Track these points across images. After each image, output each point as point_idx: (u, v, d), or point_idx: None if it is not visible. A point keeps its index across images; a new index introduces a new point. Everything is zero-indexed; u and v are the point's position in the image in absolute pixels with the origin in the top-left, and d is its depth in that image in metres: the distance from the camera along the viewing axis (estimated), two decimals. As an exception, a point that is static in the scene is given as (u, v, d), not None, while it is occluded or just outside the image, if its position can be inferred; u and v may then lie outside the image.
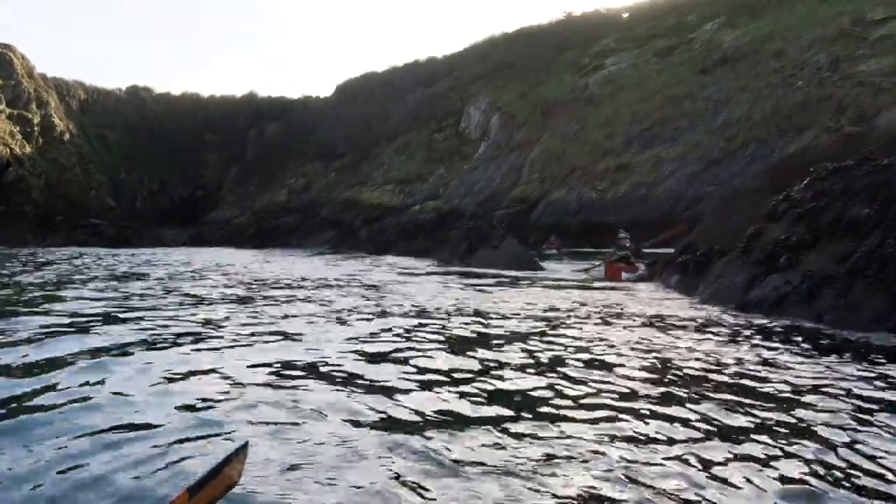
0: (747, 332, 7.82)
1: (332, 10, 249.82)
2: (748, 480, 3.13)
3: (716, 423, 4.01)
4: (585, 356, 5.95)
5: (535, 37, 71.54)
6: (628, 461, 3.31)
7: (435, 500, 2.78)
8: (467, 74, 71.72)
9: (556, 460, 3.27)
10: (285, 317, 8.52)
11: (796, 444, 3.68)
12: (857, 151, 11.20)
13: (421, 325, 7.76)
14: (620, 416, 4.07)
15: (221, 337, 6.71)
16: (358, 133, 72.79)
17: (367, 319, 8.26)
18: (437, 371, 5.21)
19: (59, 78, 68.24)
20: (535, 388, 4.72)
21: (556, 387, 4.73)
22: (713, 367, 5.60)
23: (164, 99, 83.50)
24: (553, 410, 4.17)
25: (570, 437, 3.65)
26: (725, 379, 5.20)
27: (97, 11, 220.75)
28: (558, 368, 5.38)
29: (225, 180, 78.31)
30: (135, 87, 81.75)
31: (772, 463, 3.36)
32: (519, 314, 8.89)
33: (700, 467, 3.29)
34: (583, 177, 53.43)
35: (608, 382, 4.90)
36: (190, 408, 4.06)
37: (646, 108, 54.99)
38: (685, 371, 5.44)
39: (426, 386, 4.68)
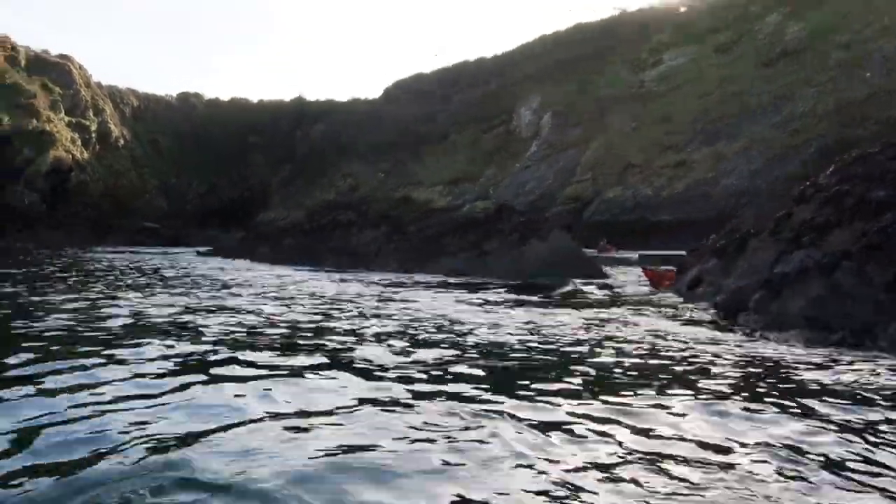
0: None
1: (380, 12, 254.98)
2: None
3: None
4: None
5: (588, 34, 72.76)
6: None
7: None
8: (518, 74, 73.42)
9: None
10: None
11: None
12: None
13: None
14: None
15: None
16: (406, 134, 75.19)
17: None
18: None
19: (114, 86, 73.36)
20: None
21: None
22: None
23: (213, 104, 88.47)
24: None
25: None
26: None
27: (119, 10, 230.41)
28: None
29: (272, 182, 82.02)
30: (185, 94, 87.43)
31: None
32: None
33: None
34: (639, 174, 54.32)
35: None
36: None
37: (706, 103, 55.54)
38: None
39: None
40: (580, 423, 4.22)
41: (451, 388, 5.21)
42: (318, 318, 9.61)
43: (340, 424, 4.02)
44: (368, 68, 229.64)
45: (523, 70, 73.82)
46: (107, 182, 57.05)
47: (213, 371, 5.57)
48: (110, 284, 15.09)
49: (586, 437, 3.98)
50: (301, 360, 6.12)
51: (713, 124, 53.63)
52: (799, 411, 4.61)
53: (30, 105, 45.78)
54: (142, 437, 3.68)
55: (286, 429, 3.90)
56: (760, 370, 6.21)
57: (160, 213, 66.12)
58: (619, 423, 4.30)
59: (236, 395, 4.71)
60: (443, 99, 76.96)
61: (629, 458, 3.63)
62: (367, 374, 5.62)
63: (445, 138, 73.40)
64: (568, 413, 4.49)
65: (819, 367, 6.34)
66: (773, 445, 3.82)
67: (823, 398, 4.96)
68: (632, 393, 5.12)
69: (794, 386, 5.45)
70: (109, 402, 4.44)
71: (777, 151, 46.92)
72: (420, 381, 5.45)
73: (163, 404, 4.43)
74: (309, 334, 7.94)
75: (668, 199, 50.72)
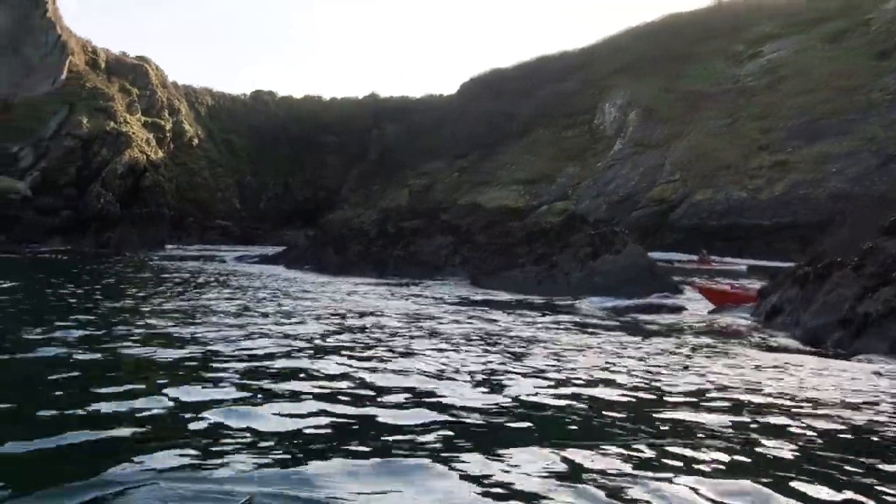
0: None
1: (457, 3, 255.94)
2: None
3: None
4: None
5: (680, 25, 70.79)
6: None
7: None
8: (603, 68, 72.23)
9: None
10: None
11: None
12: None
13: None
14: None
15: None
16: (483, 131, 75.27)
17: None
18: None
19: (189, 85, 77.11)
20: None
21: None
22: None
23: (287, 103, 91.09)
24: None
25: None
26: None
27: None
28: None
29: (346, 181, 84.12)
30: (258, 92, 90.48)
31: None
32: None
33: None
34: (732, 175, 52.72)
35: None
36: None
37: (810, 99, 53.25)
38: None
39: None
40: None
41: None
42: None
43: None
44: (444, 62, 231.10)
45: (609, 64, 72.60)
46: (181, 181, 60.09)
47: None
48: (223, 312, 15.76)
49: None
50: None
51: (817, 122, 51.42)
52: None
53: (108, 107, 48.76)
54: None
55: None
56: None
57: (234, 212, 69.22)
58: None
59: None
60: (522, 94, 76.62)
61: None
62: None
63: (524, 136, 73.07)
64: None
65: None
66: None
67: None
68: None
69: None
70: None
71: (891, 152, 44.65)
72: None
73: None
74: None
75: (766, 202, 49.05)
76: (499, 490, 3.85)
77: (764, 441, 5.01)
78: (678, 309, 16.23)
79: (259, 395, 6.01)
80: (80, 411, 5.30)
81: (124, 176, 47.06)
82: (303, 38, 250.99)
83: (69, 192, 44.47)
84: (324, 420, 5.30)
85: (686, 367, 8.40)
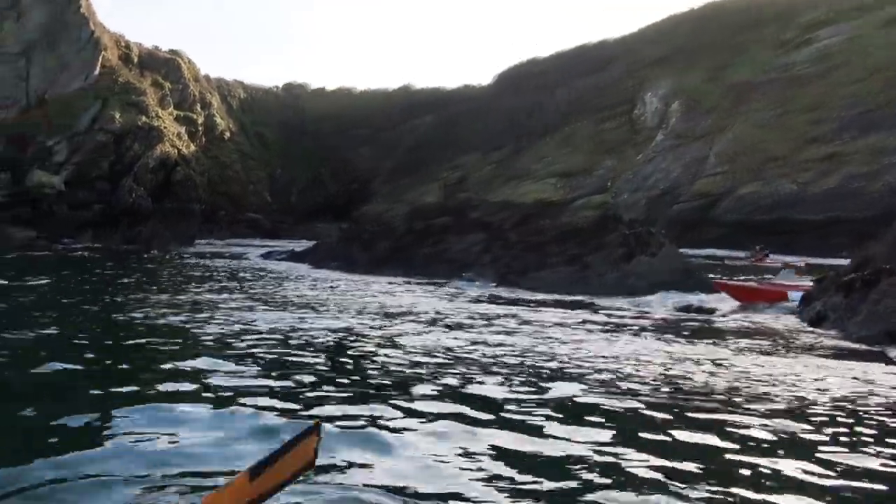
0: None
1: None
2: None
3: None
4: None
5: (726, 12, 68.98)
6: None
7: None
8: (644, 57, 70.87)
9: None
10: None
11: None
12: None
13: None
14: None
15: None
16: (519, 123, 74.63)
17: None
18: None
19: (221, 78, 77.69)
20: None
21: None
22: None
23: (318, 94, 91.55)
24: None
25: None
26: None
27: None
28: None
29: (378, 174, 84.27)
30: (290, 84, 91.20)
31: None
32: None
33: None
34: (781, 168, 51.58)
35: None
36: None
37: (866, 88, 51.68)
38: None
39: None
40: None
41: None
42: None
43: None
44: (479, 52, 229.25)
45: (650, 53, 71.23)
46: (212, 174, 60.77)
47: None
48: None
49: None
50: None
51: (872, 112, 49.89)
52: None
53: (140, 102, 49.48)
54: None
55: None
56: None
57: (265, 205, 69.92)
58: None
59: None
60: (560, 85, 75.75)
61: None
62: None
63: (561, 128, 72.25)
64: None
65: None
66: None
67: None
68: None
69: None
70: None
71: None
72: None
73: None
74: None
75: (816, 196, 47.89)
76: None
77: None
78: (712, 311, 15.80)
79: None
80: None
81: (156, 170, 47.68)
82: (303, 35, 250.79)
83: (102, 187, 45.22)
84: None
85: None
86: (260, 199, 70.46)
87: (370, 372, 7.62)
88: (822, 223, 45.33)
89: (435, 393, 6.53)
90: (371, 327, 11.26)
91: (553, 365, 8.08)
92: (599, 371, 7.76)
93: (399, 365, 7.96)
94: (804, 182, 49.17)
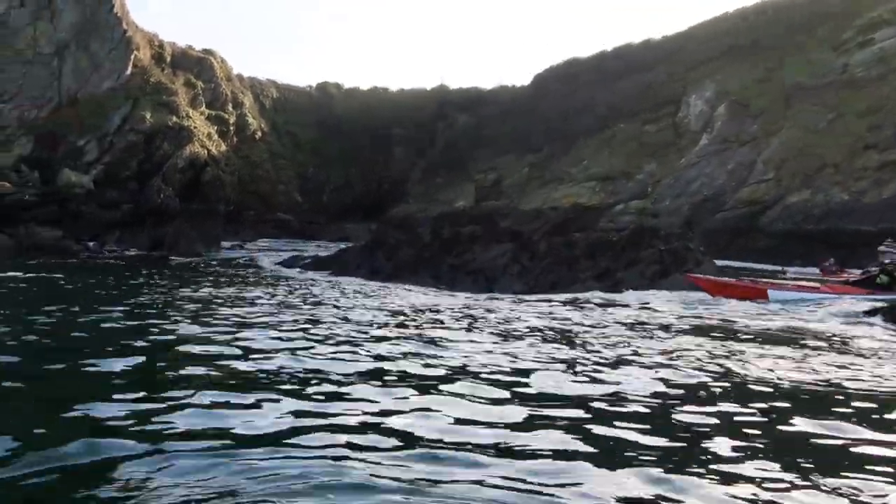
0: None
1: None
2: None
3: None
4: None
5: (779, 11, 66.79)
6: None
7: None
8: (690, 58, 68.92)
9: None
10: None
11: None
12: None
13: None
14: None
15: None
16: (557, 125, 73.43)
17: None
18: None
19: (254, 78, 78.21)
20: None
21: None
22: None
23: (352, 94, 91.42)
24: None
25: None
26: None
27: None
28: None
29: (411, 174, 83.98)
30: (324, 84, 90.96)
31: None
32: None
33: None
34: (834, 176, 49.83)
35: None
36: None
37: (927, 92, 49.85)
38: None
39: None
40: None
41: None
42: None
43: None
44: (516, 52, 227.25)
45: (696, 54, 69.32)
46: (242, 174, 60.96)
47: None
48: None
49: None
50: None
51: (936, 118, 47.95)
52: None
53: (171, 102, 49.63)
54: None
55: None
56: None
57: (295, 205, 70.09)
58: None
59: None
60: (600, 87, 74.32)
61: None
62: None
63: (601, 130, 70.91)
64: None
65: None
66: None
67: None
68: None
69: None
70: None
71: None
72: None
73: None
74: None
75: (871, 206, 46.07)
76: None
77: None
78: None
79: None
80: None
81: (184, 170, 47.74)
82: (309, 33, 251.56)
83: (131, 186, 45.49)
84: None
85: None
86: (289, 199, 70.75)
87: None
88: (877, 235, 43.56)
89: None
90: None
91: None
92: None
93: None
94: (858, 191, 47.39)
